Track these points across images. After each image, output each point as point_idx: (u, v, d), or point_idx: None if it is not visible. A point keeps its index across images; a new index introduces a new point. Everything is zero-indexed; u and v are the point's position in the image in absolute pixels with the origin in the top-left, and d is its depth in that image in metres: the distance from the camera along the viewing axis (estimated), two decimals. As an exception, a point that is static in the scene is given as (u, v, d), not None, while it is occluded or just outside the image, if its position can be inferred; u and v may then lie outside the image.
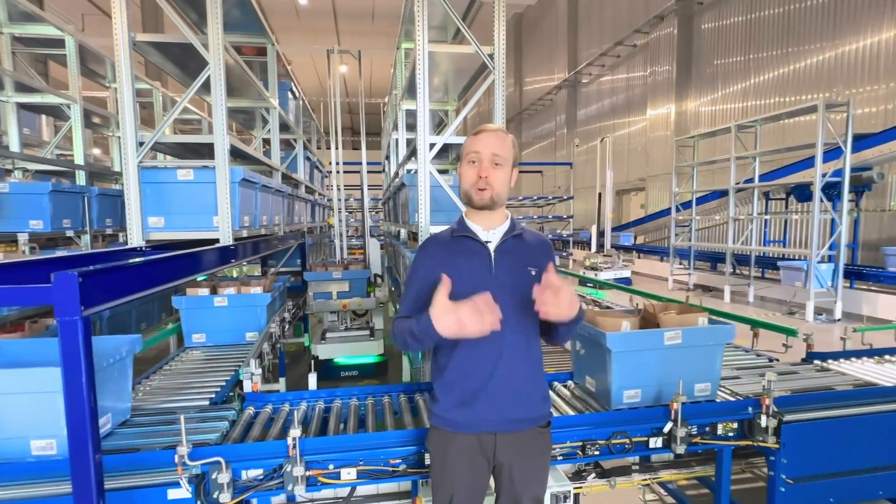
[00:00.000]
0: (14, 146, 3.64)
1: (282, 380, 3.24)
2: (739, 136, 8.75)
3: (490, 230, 1.50)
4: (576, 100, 18.93)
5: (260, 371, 2.26)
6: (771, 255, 9.11)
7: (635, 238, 14.62)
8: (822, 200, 6.95)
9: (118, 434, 1.86)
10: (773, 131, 10.03)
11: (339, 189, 6.83)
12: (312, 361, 3.07)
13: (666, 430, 1.92)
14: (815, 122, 7.14)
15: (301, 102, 5.48)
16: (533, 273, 1.47)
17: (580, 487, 2.04)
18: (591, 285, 7.43)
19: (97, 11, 14.88)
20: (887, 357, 2.74)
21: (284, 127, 4.54)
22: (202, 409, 2.09)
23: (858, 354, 2.75)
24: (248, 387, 2.23)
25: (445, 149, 4.03)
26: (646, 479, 2.13)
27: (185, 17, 3.35)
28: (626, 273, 10.93)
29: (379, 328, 4.74)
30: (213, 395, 2.25)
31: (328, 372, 4.59)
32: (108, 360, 1.73)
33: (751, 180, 8.54)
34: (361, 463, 1.77)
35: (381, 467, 1.79)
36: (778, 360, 2.74)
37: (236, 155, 3.46)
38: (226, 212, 2.52)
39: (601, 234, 12.96)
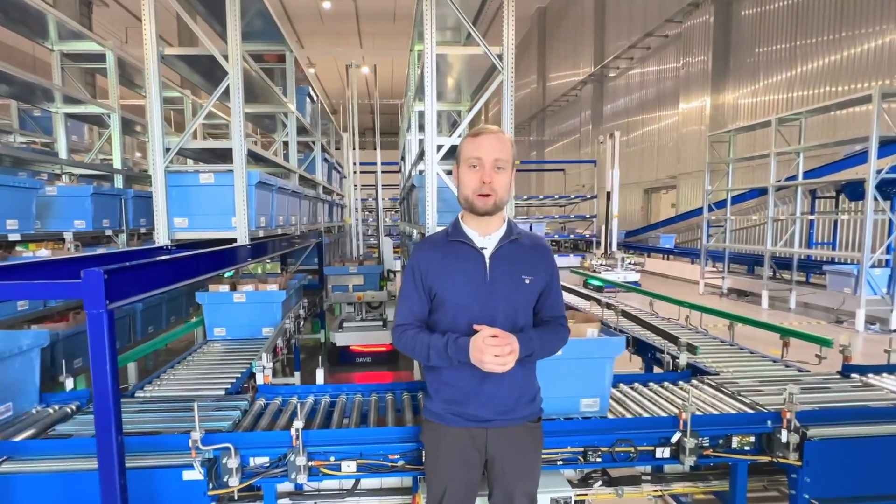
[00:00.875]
0: (62, 153, 3.95)
1: (297, 374, 3.40)
2: (781, 129, 8.23)
3: (486, 236, 1.49)
4: (602, 95, 18.56)
5: (271, 365, 2.39)
6: (816, 259, 8.58)
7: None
8: (876, 199, 6.46)
9: (143, 417, 2.04)
10: (821, 124, 9.36)
11: (356, 188, 7.00)
12: (320, 357, 3.20)
13: (674, 440, 1.87)
14: (869, 114, 6.61)
15: (319, 105, 5.66)
16: (527, 282, 1.48)
17: (585, 494, 2.00)
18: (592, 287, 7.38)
19: (139, 24, 15.58)
20: (940, 373, 2.48)
21: (303, 130, 4.72)
22: (218, 399, 2.24)
23: (905, 369, 2.49)
24: (260, 379, 2.37)
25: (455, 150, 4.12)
26: (657, 491, 2.04)
27: (213, 28, 3.54)
28: (633, 276, 10.33)
29: (391, 319, 4.95)
30: (229, 386, 2.40)
31: (345, 357, 4.89)
32: (11, 352, 1.89)
33: (794, 177, 8.01)
34: (361, 456, 1.85)
35: (380, 462, 1.86)
36: (809, 371, 2.59)
37: (258, 159, 3.64)
38: (242, 213, 2.69)
39: (608, 234, 12.35)
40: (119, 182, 3.97)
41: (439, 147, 2.97)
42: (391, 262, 5.25)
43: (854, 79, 9.14)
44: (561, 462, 1.93)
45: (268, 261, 4.42)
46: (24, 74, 2.93)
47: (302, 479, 1.81)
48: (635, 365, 3.47)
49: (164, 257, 1.69)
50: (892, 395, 2.21)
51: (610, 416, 2.10)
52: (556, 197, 15.15)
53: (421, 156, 3.95)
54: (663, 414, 2.07)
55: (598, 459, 1.90)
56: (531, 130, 24.78)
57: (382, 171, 7.82)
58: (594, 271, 10.30)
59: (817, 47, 9.96)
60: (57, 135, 3.91)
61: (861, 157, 7.02)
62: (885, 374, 2.48)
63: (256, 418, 2.10)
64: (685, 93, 13.63)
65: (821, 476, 1.85)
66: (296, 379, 3.75)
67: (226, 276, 4.14)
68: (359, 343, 4.84)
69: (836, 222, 8.94)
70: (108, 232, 3.49)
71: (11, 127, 5.11)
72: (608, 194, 11.66)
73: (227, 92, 2.79)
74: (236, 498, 1.90)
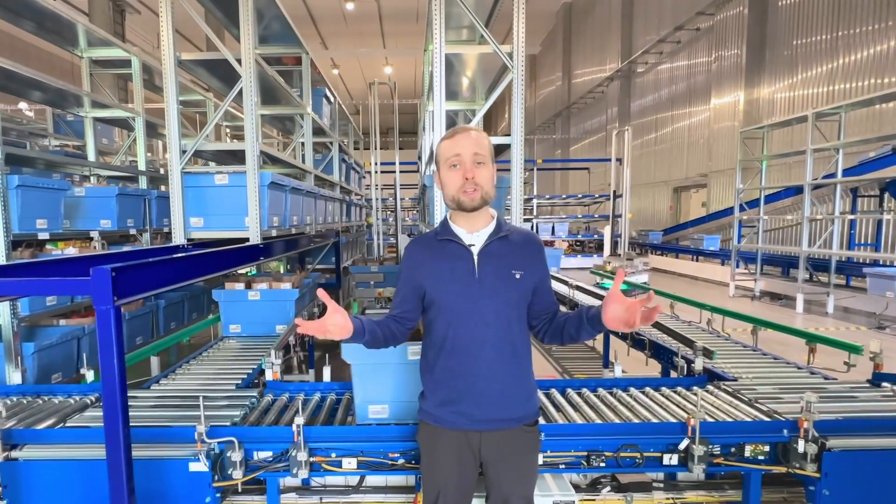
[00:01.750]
0: (91, 155, 4.13)
1: (311, 371, 3.46)
2: (819, 125, 7.83)
3: (474, 233, 1.48)
4: (629, 91, 18.17)
5: (279, 361, 2.45)
6: (857, 261, 8.14)
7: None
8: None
9: (156, 410, 2.12)
10: (865, 119, 8.89)
11: (377, 188, 7.08)
12: (327, 356, 3.27)
13: (682, 446, 1.82)
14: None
15: (337, 106, 5.74)
16: (518, 277, 1.46)
17: (592, 500, 1.98)
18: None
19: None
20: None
21: (321, 131, 4.80)
22: (228, 394, 2.31)
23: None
24: (269, 375, 2.43)
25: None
26: (669, 499, 2.00)
27: (231, 33, 3.64)
28: (642, 277, 9.83)
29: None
30: (240, 382, 2.47)
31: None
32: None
33: (832, 175, 7.60)
34: (362, 454, 1.88)
35: (380, 460, 1.88)
36: (836, 379, 2.48)
37: (274, 160, 3.72)
38: (255, 213, 2.75)
39: (613, 234, 12.10)
40: (143, 183, 4.13)
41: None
42: None
43: (901, 70, 8.56)
44: (563, 466, 1.90)
45: (283, 258, 4.52)
46: (54, 81, 3.08)
47: (303, 474, 1.84)
48: (653, 369, 3.40)
49: (169, 256, 1.74)
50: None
51: (616, 420, 2.07)
52: (580, 196, 14.89)
53: (431, 155, 3.97)
54: (673, 420, 2.01)
55: (602, 464, 1.87)
56: (556, 128, 24.49)
57: (404, 171, 7.89)
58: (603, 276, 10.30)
59: (861, 37, 9.42)
60: (86, 138, 4.10)
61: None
62: (920, 384, 2.32)
63: (263, 413, 2.15)
64: (717, 88, 13.19)
65: (840, 489, 1.77)
66: (310, 376, 3.81)
67: (249, 273, 4.26)
68: None
69: (879, 222, 8.45)
70: (133, 231, 3.64)
71: (47, 131, 5.41)
72: (613, 193, 11.32)
73: (241, 94, 2.86)
74: (240, 490, 1.96)
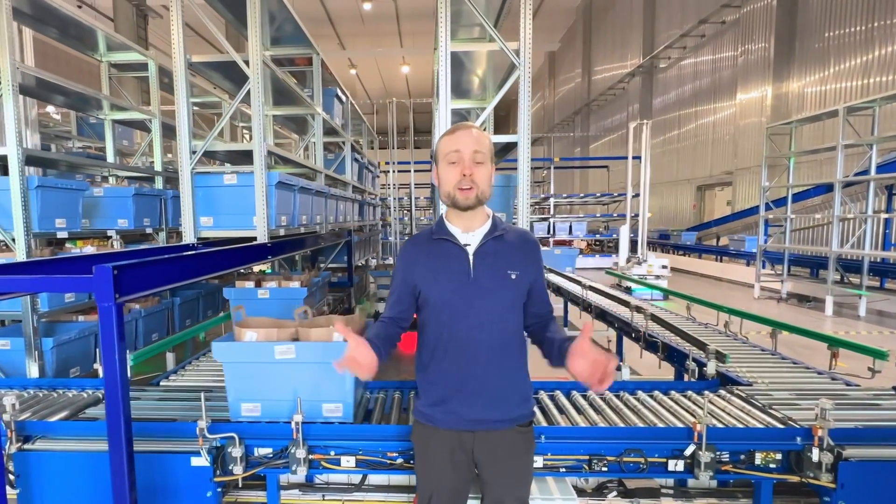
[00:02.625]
0: (110, 157, 4.27)
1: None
2: (851, 119, 7.50)
3: (469, 232, 1.47)
4: (651, 87, 17.81)
5: (285, 358, 2.47)
6: (893, 262, 7.81)
7: (717, 239, 13.32)
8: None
9: (162, 404, 2.17)
10: None
11: (394, 188, 7.11)
12: None
13: (687, 452, 1.78)
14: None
15: (349, 106, 5.78)
16: (513, 277, 1.45)
17: None
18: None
19: (192, 33, 16.52)
20: None
21: (333, 131, 4.85)
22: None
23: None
24: (275, 372, 2.46)
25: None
26: None
27: (243, 35, 3.69)
28: (658, 282, 8.86)
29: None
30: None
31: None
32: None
33: (865, 172, 7.30)
34: (360, 453, 1.88)
35: (378, 459, 1.88)
36: (859, 385, 2.39)
37: (285, 160, 3.77)
38: (262, 212, 2.79)
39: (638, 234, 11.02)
40: (160, 183, 4.23)
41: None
42: None
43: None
44: (564, 469, 1.88)
45: (295, 257, 4.57)
46: (73, 84, 3.19)
47: (302, 471, 1.86)
48: (666, 372, 3.32)
49: (171, 255, 1.78)
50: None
51: (621, 424, 2.03)
52: (598, 195, 14.66)
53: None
54: (680, 425, 1.96)
55: (605, 469, 1.84)
56: (575, 126, 24.19)
57: (420, 171, 7.91)
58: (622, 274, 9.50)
59: (899, 28, 8.97)
60: (106, 140, 4.23)
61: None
62: (951, 393, 2.24)
63: (265, 410, 2.18)
64: (743, 83, 12.81)
65: (857, 501, 1.70)
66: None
67: (267, 272, 4.33)
68: None
69: (918, 222, 8.09)
70: (149, 230, 3.74)
71: (71, 133, 5.61)
72: (631, 190, 10.87)
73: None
74: (241, 486, 1.99)
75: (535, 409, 2.20)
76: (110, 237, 3.56)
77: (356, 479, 2.07)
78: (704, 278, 11.95)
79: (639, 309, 3.54)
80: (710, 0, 13.69)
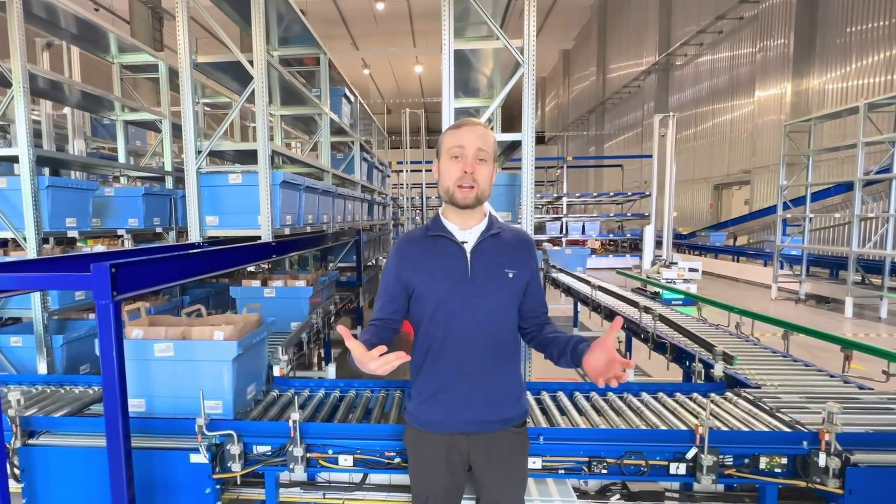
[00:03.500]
0: (121, 157, 4.35)
1: (330, 367, 3.50)
2: (871, 116, 7.31)
3: (466, 230, 1.45)
4: (667, 85, 17.54)
5: (286, 358, 2.49)
6: None
7: (734, 239, 12.96)
8: None
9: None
10: None
11: (407, 187, 7.11)
12: (332, 353, 3.32)
13: (689, 455, 1.75)
14: None
15: (358, 106, 5.79)
16: (510, 276, 1.43)
17: None
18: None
19: (208, 35, 16.79)
20: None
21: (342, 130, 4.86)
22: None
23: None
24: (276, 371, 2.48)
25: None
26: None
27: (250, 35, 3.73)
28: (686, 287, 7.88)
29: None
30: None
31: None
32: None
33: (887, 169, 7.10)
34: (358, 451, 1.89)
35: (376, 458, 1.88)
36: (872, 389, 2.33)
37: (293, 160, 3.79)
38: (266, 211, 2.81)
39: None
40: (170, 183, 4.30)
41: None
42: None
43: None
44: (563, 471, 1.85)
45: (295, 256, 4.59)
46: (82, 86, 3.25)
47: (299, 469, 1.87)
48: (675, 374, 3.26)
49: (169, 254, 1.79)
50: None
51: (622, 425, 2.00)
52: (612, 194, 14.50)
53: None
54: (684, 427, 1.92)
55: (604, 471, 1.81)
56: (590, 125, 23.97)
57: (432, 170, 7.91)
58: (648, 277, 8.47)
59: (924, 24, 8.72)
60: (117, 140, 4.31)
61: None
62: (968, 398, 2.16)
63: (266, 408, 2.19)
64: (762, 79, 12.54)
65: (866, 508, 1.64)
66: (327, 372, 3.87)
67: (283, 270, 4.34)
68: None
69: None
70: (159, 229, 3.79)
71: (85, 134, 5.71)
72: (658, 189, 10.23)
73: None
74: (239, 483, 2.00)
75: (537, 409, 2.20)
76: (121, 236, 3.62)
77: (357, 477, 2.07)
78: (720, 278, 11.74)
79: (647, 309, 3.48)
80: (728, -5, 13.45)
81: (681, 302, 6.01)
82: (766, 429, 1.88)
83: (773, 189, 11.69)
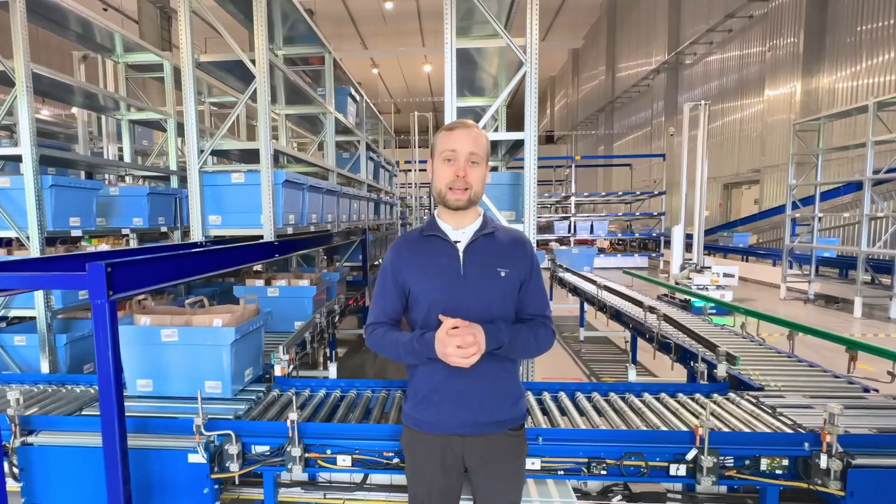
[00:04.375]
0: (127, 156, 4.37)
1: (331, 367, 3.48)
2: (881, 115, 7.24)
3: (460, 229, 1.46)
4: (676, 84, 17.39)
5: (287, 357, 2.47)
6: None
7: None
8: None
9: (166, 401, 2.19)
10: None
11: (416, 187, 7.10)
12: (334, 352, 3.31)
13: (689, 457, 1.74)
14: None
15: (364, 105, 5.79)
16: (503, 275, 1.42)
17: None
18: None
19: (217, 35, 16.90)
20: None
21: (347, 130, 4.86)
22: (238, 387, 2.35)
23: None
24: (277, 371, 2.47)
25: (494, 146, 4.03)
26: None
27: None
28: (720, 295, 7.24)
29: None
30: (251, 376, 2.51)
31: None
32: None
33: (896, 169, 7.01)
34: (357, 452, 1.87)
35: (375, 458, 1.87)
36: (878, 390, 2.31)
37: (298, 160, 3.79)
38: (269, 211, 2.80)
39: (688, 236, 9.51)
40: (175, 182, 4.31)
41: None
42: None
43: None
44: (562, 472, 1.83)
45: (298, 256, 4.59)
46: (87, 86, 3.27)
47: (298, 469, 1.85)
48: (679, 374, 3.22)
49: (166, 254, 1.79)
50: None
51: (623, 426, 1.98)
52: (621, 193, 14.42)
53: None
54: (685, 428, 1.90)
55: (604, 472, 1.79)
56: (599, 124, 23.84)
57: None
58: (676, 283, 7.58)
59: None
60: (123, 140, 4.33)
61: None
62: (974, 398, 2.12)
63: (266, 408, 2.18)
64: (771, 78, 12.42)
65: (868, 510, 1.62)
66: (331, 371, 3.87)
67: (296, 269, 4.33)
68: None
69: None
70: (164, 229, 3.81)
71: (92, 134, 5.76)
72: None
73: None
74: (238, 483, 1.99)
75: (538, 410, 2.18)
76: (125, 235, 3.64)
77: (358, 478, 2.06)
78: (727, 278, 11.62)
79: (652, 309, 3.44)
80: (738, -6, 13.32)
81: (714, 311, 5.54)
82: (768, 430, 1.86)
83: (782, 188, 11.58)
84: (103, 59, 4.48)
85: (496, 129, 4.29)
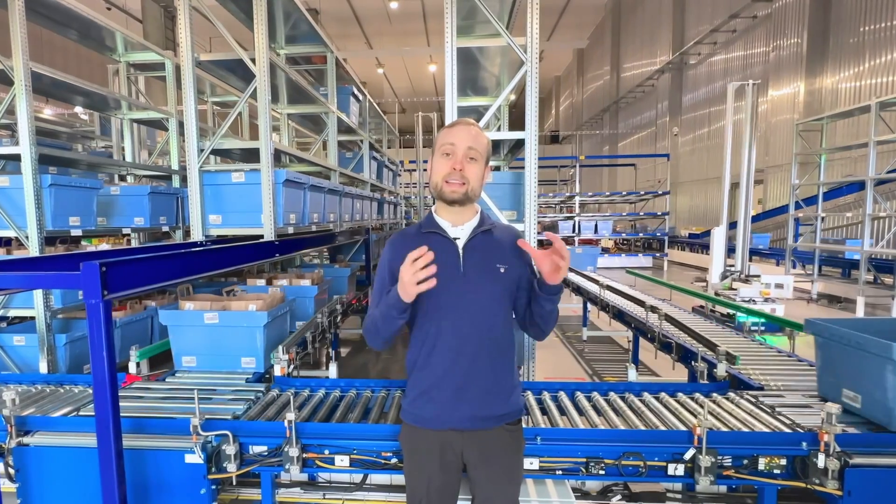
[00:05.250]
0: (128, 156, 4.37)
1: (331, 366, 3.47)
2: (883, 115, 7.25)
3: (458, 226, 1.47)
4: (681, 84, 17.33)
5: (286, 357, 2.46)
6: None
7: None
8: None
9: (165, 401, 2.18)
10: None
11: (421, 186, 7.10)
12: (334, 352, 3.30)
13: (687, 456, 1.73)
14: None
15: (367, 104, 5.77)
16: (502, 271, 1.44)
17: None
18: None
19: (221, 35, 16.95)
20: None
21: (350, 129, 4.85)
22: (237, 387, 2.34)
23: None
24: (277, 371, 2.46)
25: (496, 146, 4.01)
26: None
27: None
28: (770, 309, 5.59)
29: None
30: (250, 376, 2.50)
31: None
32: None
33: (900, 169, 7.00)
34: (355, 452, 1.86)
35: (373, 458, 1.85)
36: None
37: (300, 159, 3.78)
38: (269, 210, 2.79)
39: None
40: (177, 182, 4.31)
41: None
42: None
43: None
44: (560, 472, 1.82)
45: (307, 254, 4.59)
46: (88, 85, 3.26)
47: (295, 469, 1.84)
48: (680, 374, 3.20)
49: (162, 254, 1.78)
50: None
51: (622, 426, 1.97)
52: (625, 193, 14.39)
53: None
54: (683, 428, 1.89)
55: (602, 472, 1.78)
56: (603, 124, 23.79)
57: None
58: (717, 294, 6.47)
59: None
60: (124, 139, 4.34)
61: None
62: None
63: (265, 408, 2.17)
64: (775, 79, 12.39)
65: (866, 509, 1.62)
66: (331, 371, 3.86)
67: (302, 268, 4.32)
68: None
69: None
70: (165, 228, 3.80)
71: (94, 133, 5.79)
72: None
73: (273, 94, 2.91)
74: (235, 483, 1.98)
75: (537, 409, 2.17)
76: (126, 235, 3.63)
77: (358, 478, 2.05)
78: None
79: (653, 309, 3.42)
80: (741, -6, 13.28)
81: (763, 328, 4.69)
82: (767, 429, 1.86)
83: (785, 188, 11.54)
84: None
85: (499, 129, 4.27)
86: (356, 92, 5.08)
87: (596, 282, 4.94)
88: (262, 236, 2.92)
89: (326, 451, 1.88)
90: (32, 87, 2.64)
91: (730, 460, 1.73)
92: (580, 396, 2.26)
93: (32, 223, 2.63)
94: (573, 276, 5.72)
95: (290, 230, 3.07)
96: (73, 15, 3.17)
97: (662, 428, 1.91)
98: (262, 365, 2.44)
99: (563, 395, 2.27)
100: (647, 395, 2.23)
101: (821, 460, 1.62)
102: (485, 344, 1.43)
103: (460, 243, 1.45)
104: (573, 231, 13.69)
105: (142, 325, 3.35)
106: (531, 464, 1.79)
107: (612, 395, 2.25)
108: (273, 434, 1.89)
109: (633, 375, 2.47)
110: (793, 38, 11.68)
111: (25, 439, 1.86)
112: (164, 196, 3.83)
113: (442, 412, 1.43)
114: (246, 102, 3.08)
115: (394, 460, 1.85)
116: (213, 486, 1.86)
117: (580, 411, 2.13)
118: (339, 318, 3.84)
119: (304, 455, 1.86)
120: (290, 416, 1.81)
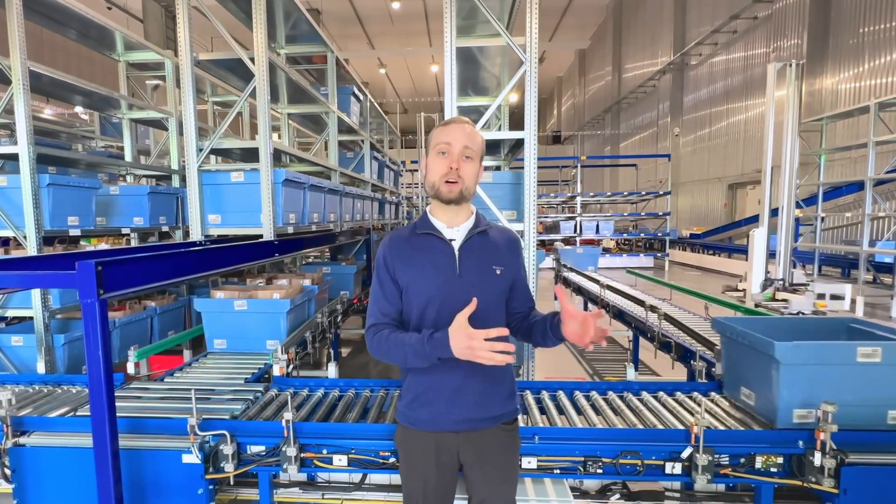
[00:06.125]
0: (128, 155, 4.37)
1: (331, 366, 3.46)
2: (882, 115, 7.29)
3: (454, 227, 1.45)
4: (682, 85, 17.33)
5: (285, 357, 2.46)
6: None
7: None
8: None
9: (163, 401, 2.17)
10: None
11: (422, 186, 7.08)
12: (332, 351, 3.29)
13: (684, 455, 1.74)
14: None
15: (368, 104, 5.76)
16: (498, 272, 1.43)
17: None
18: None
19: (220, 36, 16.98)
20: None
21: (351, 129, 4.84)
22: (236, 387, 2.33)
23: None
24: (276, 371, 2.45)
25: (496, 146, 4.00)
26: None
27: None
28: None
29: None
30: (249, 376, 2.50)
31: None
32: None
33: (900, 169, 6.98)
34: (353, 451, 1.85)
35: (371, 458, 1.85)
36: None
37: (301, 159, 3.77)
38: (268, 210, 2.78)
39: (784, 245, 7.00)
40: (176, 181, 4.30)
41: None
42: None
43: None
44: (558, 471, 1.82)
45: (311, 253, 4.57)
46: (87, 84, 3.25)
47: (293, 469, 1.83)
48: (680, 373, 3.19)
49: (157, 253, 1.77)
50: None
51: (620, 425, 1.97)
52: (627, 194, 14.38)
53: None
54: (681, 427, 1.90)
55: (600, 471, 1.78)
56: (605, 124, 23.78)
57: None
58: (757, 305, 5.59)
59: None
60: (124, 138, 4.33)
61: None
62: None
63: (263, 407, 2.16)
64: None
65: (862, 507, 1.63)
66: (331, 371, 3.85)
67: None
68: None
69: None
70: (165, 228, 3.80)
71: (94, 133, 5.79)
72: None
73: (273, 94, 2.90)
74: (232, 483, 1.97)
75: (536, 409, 2.17)
76: (126, 235, 3.62)
77: (357, 478, 2.04)
78: (734, 277, 11.56)
79: (653, 308, 3.41)
80: (742, -5, 13.28)
81: None
82: (763, 428, 1.85)
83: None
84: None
85: (499, 128, 4.26)
86: (357, 92, 5.07)
87: (597, 282, 4.93)
88: (261, 236, 2.91)
89: (324, 451, 1.88)
90: (31, 87, 2.64)
91: (727, 459, 1.74)
92: (579, 396, 2.25)
93: (30, 223, 2.62)
94: (574, 276, 5.71)
95: (290, 230, 3.07)
96: (73, 14, 3.16)
97: (660, 427, 1.91)
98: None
99: (561, 395, 2.27)
100: (645, 395, 2.23)
101: (817, 459, 1.63)
102: None
103: (456, 245, 1.43)
104: (575, 231, 13.67)
105: (141, 326, 3.35)
106: (529, 463, 1.79)
107: (611, 395, 2.24)
108: (271, 434, 1.88)
109: (631, 375, 2.47)
110: (793, 39, 11.74)
111: (22, 440, 1.85)
112: (164, 196, 3.82)
113: (438, 415, 1.42)
114: (246, 102, 3.07)
115: (392, 460, 1.85)
116: (211, 487, 1.86)
117: (578, 410, 2.13)
118: (339, 318, 3.84)
119: (302, 455, 1.86)
120: (288, 415, 1.80)
